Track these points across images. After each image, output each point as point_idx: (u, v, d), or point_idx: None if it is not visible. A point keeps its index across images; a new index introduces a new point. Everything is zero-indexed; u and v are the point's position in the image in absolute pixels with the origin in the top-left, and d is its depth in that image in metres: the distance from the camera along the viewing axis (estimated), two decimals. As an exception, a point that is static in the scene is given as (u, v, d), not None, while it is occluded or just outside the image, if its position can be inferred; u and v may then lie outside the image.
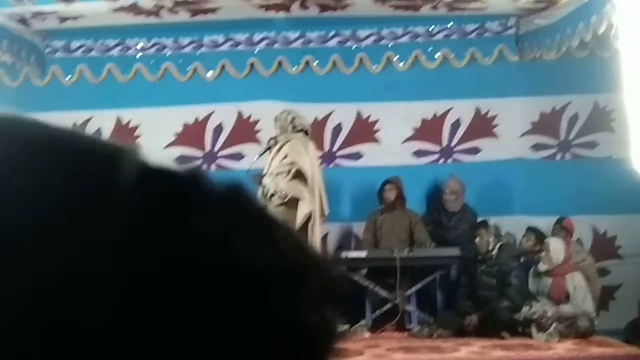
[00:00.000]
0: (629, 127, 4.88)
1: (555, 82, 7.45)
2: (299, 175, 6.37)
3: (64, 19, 6.78)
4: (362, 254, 6.82)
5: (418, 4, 6.36)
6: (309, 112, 7.10)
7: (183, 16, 6.87)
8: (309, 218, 6.30)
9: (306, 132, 6.66)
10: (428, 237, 7.06)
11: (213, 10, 6.65)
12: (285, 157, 6.43)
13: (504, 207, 7.41)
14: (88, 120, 7.63)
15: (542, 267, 6.39)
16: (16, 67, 7.25)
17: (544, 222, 7.08)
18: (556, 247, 6.40)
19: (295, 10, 6.63)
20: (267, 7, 6.66)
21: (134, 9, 6.55)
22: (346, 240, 7.60)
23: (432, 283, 6.90)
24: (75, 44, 7.61)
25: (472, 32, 7.61)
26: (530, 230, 6.92)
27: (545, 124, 7.65)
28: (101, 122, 7.67)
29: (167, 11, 6.70)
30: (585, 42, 6.11)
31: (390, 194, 7.16)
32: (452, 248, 6.83)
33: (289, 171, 6.34)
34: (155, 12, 6.71)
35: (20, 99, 6.95)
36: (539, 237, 6.78)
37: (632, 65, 4.83)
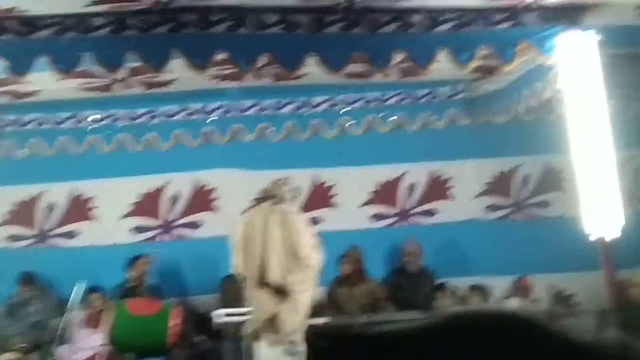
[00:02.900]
0: (577, 187, 4.99)
1: (506, 144, 7.60)
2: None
3: (18, 96, 6.72)
4: (323, 320, 6.72)
5: (369, 71, 6.45)
6: (264, 179, 7.07)
7: (137, 89, 6.88)
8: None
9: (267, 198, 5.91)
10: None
11: (166, 83, 6.67)
12: None
13: (462, 269, 7.44)
14: (41, 194, 7.54)
15: (502, 327, 6.39)
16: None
17: (502, 282, 7.12)
18: (515, 307, 6.42)
19: (249, 79, 6.68)
20: (221, 78, 6.70)
21: (88, 85, 6.54)
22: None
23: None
24: (27, 117, 7.55)
25: (423, 97, 7.77)
26: (474, 288, 6.96)
27: (499, 185, 7.77)
28: (55, 195, 7.59)
29: (121, 86, 6.70)
30: (532, 107, 6.27)
31: (346, 267, 7.07)
32: (412, 312, 6.78)
33: None
34: (110, 85, 6.70)
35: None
36: (483, 293, 6.82)
37: (577, 126, 4.97)
